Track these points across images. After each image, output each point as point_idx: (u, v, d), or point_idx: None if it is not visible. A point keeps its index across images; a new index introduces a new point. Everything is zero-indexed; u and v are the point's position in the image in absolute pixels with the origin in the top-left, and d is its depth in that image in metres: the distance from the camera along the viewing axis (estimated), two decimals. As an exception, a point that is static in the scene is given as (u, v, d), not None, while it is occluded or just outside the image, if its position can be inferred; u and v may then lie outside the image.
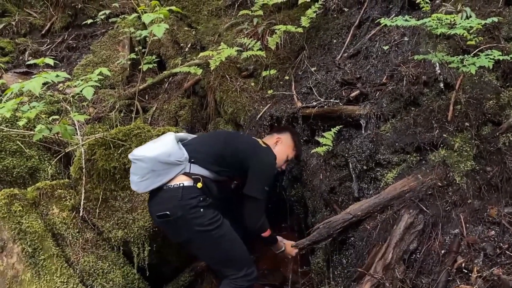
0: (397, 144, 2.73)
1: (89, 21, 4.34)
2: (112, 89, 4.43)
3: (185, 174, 2.43)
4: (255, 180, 2.55)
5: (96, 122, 3.96)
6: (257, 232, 2.65)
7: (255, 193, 2.54)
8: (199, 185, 2.41)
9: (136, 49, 4.51)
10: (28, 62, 3.80)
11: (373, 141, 2.80)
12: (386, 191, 2.58)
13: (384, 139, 2.78)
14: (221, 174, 2.56)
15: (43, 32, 5.64)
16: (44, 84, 2.26)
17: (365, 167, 2.77)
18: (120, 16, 4.56)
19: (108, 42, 4.81)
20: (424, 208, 2.46)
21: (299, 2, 4.03)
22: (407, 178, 2.60)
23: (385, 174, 2.72)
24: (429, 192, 2.50)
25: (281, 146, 2.81)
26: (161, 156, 2.38)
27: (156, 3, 2.86)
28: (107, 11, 4.29)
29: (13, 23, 5.55)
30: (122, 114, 4.00)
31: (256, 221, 2.59)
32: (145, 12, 2.91)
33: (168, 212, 2.35)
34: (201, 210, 2.39)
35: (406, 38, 3.16)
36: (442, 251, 2.32)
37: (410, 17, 2.40)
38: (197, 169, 2.46)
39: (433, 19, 2.25)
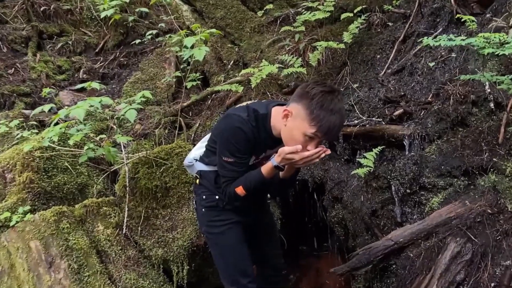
0: (443, 167, 2.57)
1: (137, 41, 4.47)
2: (159, 105, 4.52)
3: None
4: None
5: (142, 138, 4.05)
6: (231, 202, 2.09)
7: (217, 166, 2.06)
8: (197, 181, 2.22)
9: (181, 66, 4.60)
10: (78, 86, 3.96)
11: (417, 163, 2.66)
12: (431, 217, 2.44)
13: (429, 162, 2.63)
14: (213, 163, 2.12)
15: (96, 50, 5.88)
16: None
17: (408, 191, 2.64)
18: (167, 36, 4.67)
19: (155, 60, 4.93)
20: (472, 237, 2.29)
21: (342, 17, 3.95)
22: (453, 203, 2.44)
23: (430, 199, 2.57)
24: (478, 220, 2.33)
25: (291, 121, 1.81)
26: (185, 161, 2.37)
27: (198, 26, 2.90)
28: (154, 31, 4.40)
29: (70, 42, 5.83)
30: (166, 131, 4.07)
31: (224, 195, 2.06)
32: (188, 35, 2.94)
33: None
34: (203, 210, 2.20)
35: (453, 55, 2.99)
36: (492, 284, 2.15)
37: (455, 36, 2.26)
38: (199, 166, 2.22)
39: (479, 38, 2.10)
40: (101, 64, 5.72)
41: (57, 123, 2.46)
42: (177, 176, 2.88)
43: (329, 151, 1.81)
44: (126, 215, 2.77)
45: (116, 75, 5.52)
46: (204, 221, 2.25)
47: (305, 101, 1.77)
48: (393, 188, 2.70)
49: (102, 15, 3.53)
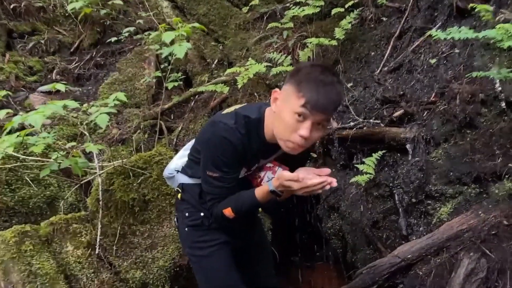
0: (451, 173, 2.30)
1: (114, 39, 4.12)
2: (138, 108, 4.18)
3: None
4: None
5: (120, 144, 3.71)
6: (218, 223, 1.80)
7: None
8: (179, 196, 1.91)
9: (162, 66, 4.26)
10: (42, 88, 3.59)
11: (423, 170, 2.39)
12: (440, 230, 2.17)
13: (435, 167, 2.36)
14: (197, 175, 1.82)
15: (71, 50, 5.49)
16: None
17: (413, 200, 2.37)
18: (145, 33, 4.33)
19: (134, 59, 4.58)
20: (487, 252, 2.03)
21: (333, 13, 3.67)
22: (465, 214, 2.18)
23: (438, 208, 2.30)
24: (493, 232, 2.07)
25: (280, 104, 1.54)
26: (165, 172, 2.03)
27: (179, 20, 2.58)
28: (131, 28, 4.06)
29: (42, 41, 5.43)
30: (146, 136, 3.73)
31: (210, 215, 1.78)
32: (168, 30, 2.62)
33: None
34: (186, 229, 1.90)
35: (456, 50, 2.73)
36: (512, 305, 1.90)
37: (468, 28, 2.00)
38: (181, 178, 1.91)
39: (500, 30, 1.84)
40: (76, 64, 5.32)
41: (16, 131, 2.11)
42: (157, 188, 2.56)
43: (335, 183, 1.50)
44: (99, 233, 2.44)
45: (93, 76, 5.14)
46: (187, 242, 1.93)
47: (294, 77, 1.51)
48: (396, 197, 2.43)
49: (70, 7, 3.18)
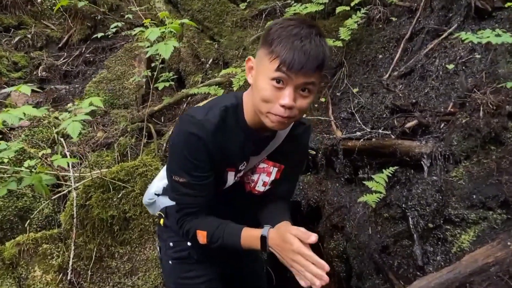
0: (474, 196, 2.00)
1: (100, 34, 3.78)
2: (126, 109, 3.85)
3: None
4: None
5: (104, 148, 3.38)
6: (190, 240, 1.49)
7: None
8: (162, 222, 1.60)
9: (153, 64, 3.93)
10: (3, 90, 3.24)
11: (441, 190, 2.08)
12: (463, 262, 1.86)
13: (455, 188, 2.05)
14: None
15: (60, 45, 5.15)
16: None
17: (430, 225, 2.06)
18: (134, 29, 3.99)
19: (123, 57, 4.23)
20: (517, 289, 1.74)
21: (337, 11, 3.34)
22: (491, 244, 1.87)
23: (458, 235, 1.99)
24: (524, 267, 1.78)
25: (255, 72, 1.26)
26: (144, 198, 1.71)
27: (166, 15, 2.25)
28: (120, 24, 3.72)
29: (29, 36, 5.07)
30: (134, 140, 3.40)
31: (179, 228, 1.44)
32: (154, 25, 2.29)
33: None
34: (170, 262, 1.59)
35: (477, 55, 2.43)
36: None
37: (502, 31, 1.70)
38: (163, 201, 1.61)
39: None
40: (64, 60, 4.98)
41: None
42: (139, 204, 2.23)
43: (325, 280, 1.12)
44: (72, 255, 2.11)
45: (81, 73, 4.80)
46: (171, 277, 1.60)
47: (266, 38, 1.20)
48: (410, 220, 2.12)
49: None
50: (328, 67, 3.31)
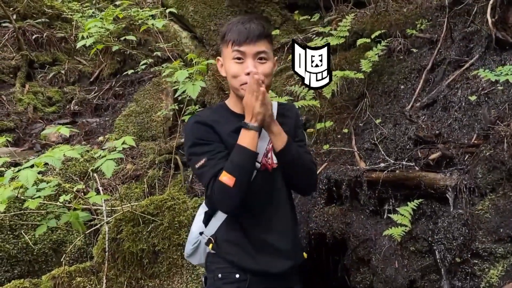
0: (501, 229, 1.98)
1: (130, 71, 3.96)
2: (154, 141, 3.99)
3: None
4: None
5: (134, 180, 3.49)
6: (221, 201, 1.52)
7: None
8: (211, 246, 1.60)
9: (180, 97, 4.07)
10: (44, 132, 3.43)
11: (467, 224, 2.07)
12: (493, 299, 1.84)
13: (482, 222, 2.04)
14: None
15: (91, 79, 5.40)
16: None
17: (458, 259, 2.05)
18: (163, 65, 4.16)
19: (151, 90, 4.41)
20: (551, 328, 1.70)
21: (358, 43, 3.43)
22: (521, 280, 1.85)
23: (487, 270, 1.97)
24: (557, 304, 1.74)
25: (224, 64, 1.59)
26: (186, 249, 1.74)
27: (194, 56, 2.37)
28: (149, 60, 3.90)
29: (63, 71, 5.35)
30: (161, 172, 3.51)
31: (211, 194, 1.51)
32: (185, 65, 2.41)
33: None
34: None
35: (499, 87, 2.44)
36: None
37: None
38: (211, 227, 1.63)
39: None
40: (95, 94, 5.21)
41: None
42: (167, 237, 2.30)
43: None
44: (104, 288, 2.19)
45: (111, 106, 5.00)
46: None
47: (221, 36, 1.60)
48: (437, 254, 2.10)
49: (79, 45, 3.04)
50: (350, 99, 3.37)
